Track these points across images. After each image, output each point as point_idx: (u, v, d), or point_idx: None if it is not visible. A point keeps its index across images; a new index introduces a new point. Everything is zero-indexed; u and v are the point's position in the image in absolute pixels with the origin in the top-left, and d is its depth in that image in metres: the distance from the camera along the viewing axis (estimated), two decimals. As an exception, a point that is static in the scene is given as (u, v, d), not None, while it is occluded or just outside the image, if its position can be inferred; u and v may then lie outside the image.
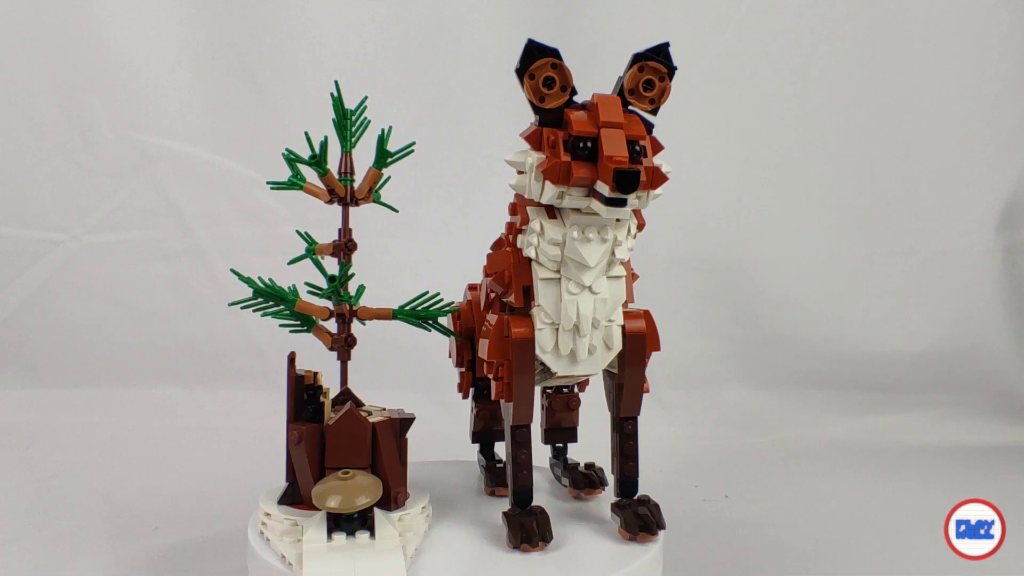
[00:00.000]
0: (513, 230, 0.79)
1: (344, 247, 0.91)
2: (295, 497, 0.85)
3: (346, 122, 0.93)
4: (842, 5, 1.62)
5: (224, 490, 1.24)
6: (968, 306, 1.69)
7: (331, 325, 0.91)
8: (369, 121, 0.93)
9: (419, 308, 0.90)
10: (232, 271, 0.84)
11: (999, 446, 1.49)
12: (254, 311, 0.86)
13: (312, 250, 0.90)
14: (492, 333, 0.77)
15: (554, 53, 0.71)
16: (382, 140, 0.91)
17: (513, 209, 0.80)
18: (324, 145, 0.90)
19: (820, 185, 1.65)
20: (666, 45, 0.74)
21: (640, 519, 0.82)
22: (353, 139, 0.93)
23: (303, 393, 0.85)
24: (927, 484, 1.17)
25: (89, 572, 1.03)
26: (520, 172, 0.74)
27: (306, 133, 0.91)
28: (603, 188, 0.68)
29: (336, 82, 0.93)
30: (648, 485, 0.96)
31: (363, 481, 0.79)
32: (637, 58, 0.73)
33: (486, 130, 1.62)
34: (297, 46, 1.64)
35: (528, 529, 0.78)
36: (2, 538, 1.12)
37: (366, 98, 0.93)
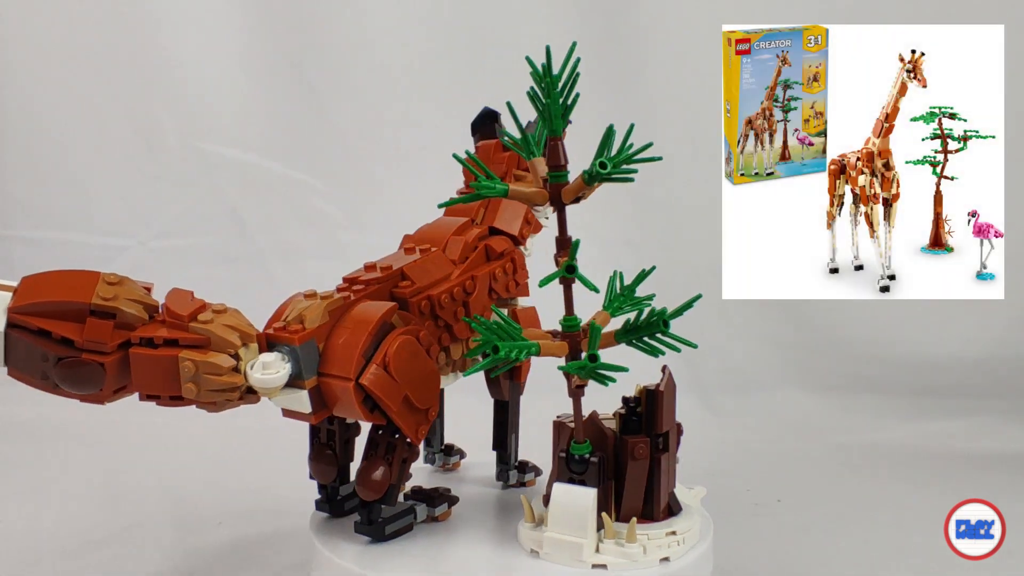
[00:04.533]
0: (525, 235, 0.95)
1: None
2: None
3: (555, 93, 0.69)
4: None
5: (284, 486, 1.26)
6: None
7: None
8: (579, 95, 0.70)
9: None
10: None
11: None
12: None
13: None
14: (533, 322, 0.91)
15: None
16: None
17: (529, 219, 0.95)
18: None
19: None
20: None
21: None
22: (566, 115, 0.70)
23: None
24: (984, 491, 1.16)
25: (158, 562, 1.07)
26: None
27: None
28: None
29: (548, 48, 0.69)
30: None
31: None
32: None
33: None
34: (354, 55, 1.67)
35: None
36: (76, 529, 1.16)
37: (575, 45, 0.69)
